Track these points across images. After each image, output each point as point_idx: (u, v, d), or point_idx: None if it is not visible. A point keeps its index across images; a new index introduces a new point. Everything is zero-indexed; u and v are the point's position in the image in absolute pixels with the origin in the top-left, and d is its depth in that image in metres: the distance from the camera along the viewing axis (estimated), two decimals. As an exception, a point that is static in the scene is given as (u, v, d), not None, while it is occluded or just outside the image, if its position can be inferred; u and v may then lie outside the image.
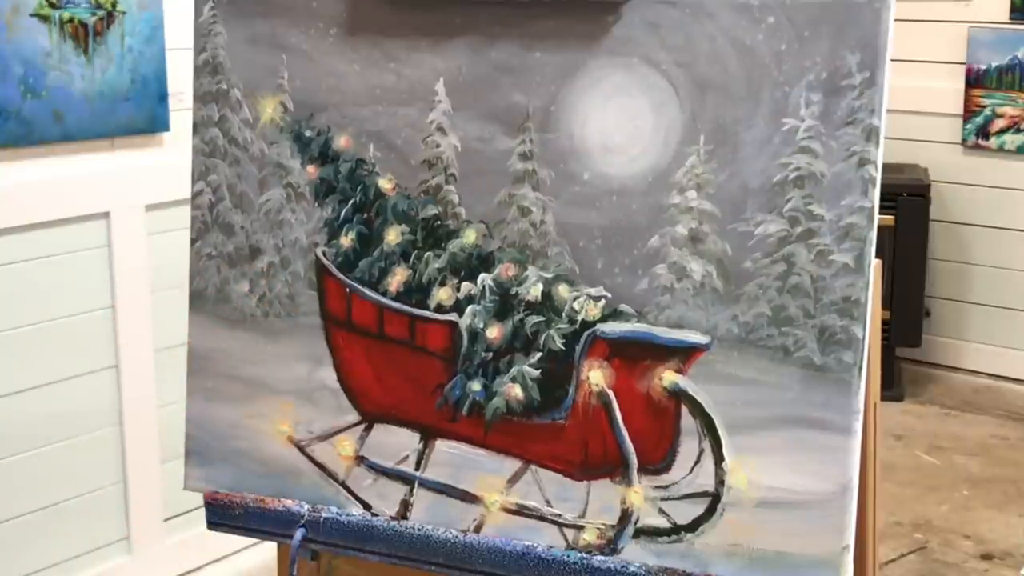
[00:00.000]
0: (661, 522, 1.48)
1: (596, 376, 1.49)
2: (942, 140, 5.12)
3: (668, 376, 1.47)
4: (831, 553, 1.40)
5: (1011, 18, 4.89)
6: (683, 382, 1.46)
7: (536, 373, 1.52)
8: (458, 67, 1.54)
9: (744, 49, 1.42)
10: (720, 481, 1.45)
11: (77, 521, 2.88)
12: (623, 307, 1.49)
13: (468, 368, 1.54)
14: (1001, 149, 4.96)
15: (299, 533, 1.62)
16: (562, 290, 1.51)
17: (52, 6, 2.70)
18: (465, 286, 1.55)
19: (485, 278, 1.54)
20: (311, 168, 1.61)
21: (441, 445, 1.57)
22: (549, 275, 1.51)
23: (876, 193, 1.38)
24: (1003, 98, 4.94)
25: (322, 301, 1.62)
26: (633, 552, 1.49)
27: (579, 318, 1.50)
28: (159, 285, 2.94)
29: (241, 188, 1.65)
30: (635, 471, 1.49)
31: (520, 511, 1.54)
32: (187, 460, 1.69)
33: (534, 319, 1.52)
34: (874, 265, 1.41)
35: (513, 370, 1.53)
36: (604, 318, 1.49)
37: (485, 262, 1.54)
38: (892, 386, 4.84)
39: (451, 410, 1.56)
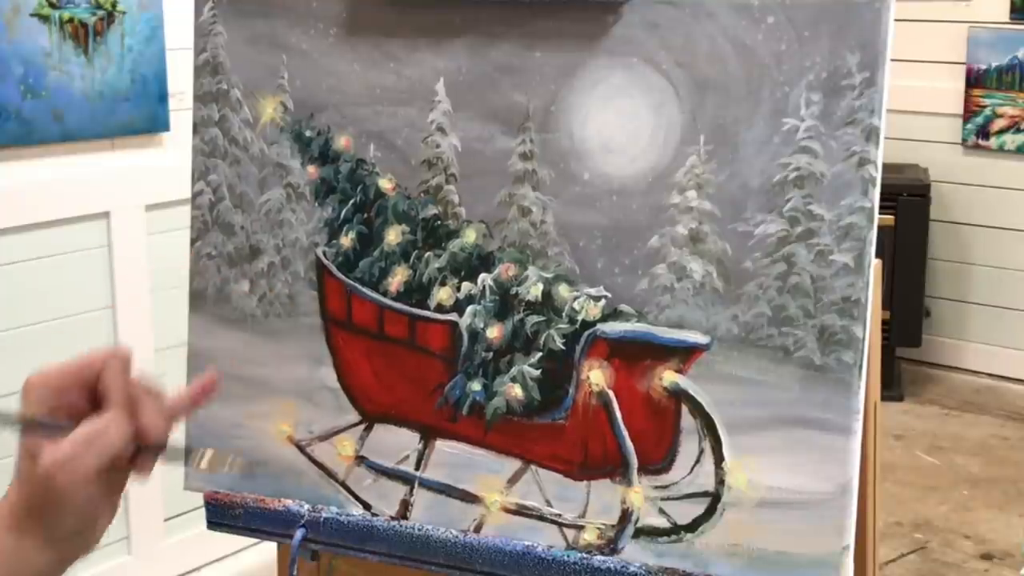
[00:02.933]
0: (661, 522, 1.48)
1: (596, 376, 1.49)
2: (942, 140, 5.12)
3: (668, 376, 1.47)
4: (831, 553, 1.40)
5: (1011, 18, 4.89)
6: (683, 382, 1.46)
7: (536, 373, 1.52)
8: (458, 67, 1.54)
9: (744, 49, 1.42)
10: (720, 481, 1.45)
11: (77, 521, 2.87)
12: (623, 307, 1.48)
13: (468, 368, 1.54)
14: (1001, 149, 4.96)
15: (299, 533, 1.62)
16: (562, 290, 1.51)
17: (52, 6, 2.70)
18: (465, 286, 1.55)
19: (485, 278, 1.54)
20: (311, 168, 1.61)
21: (441, 445, 1.57)
22: (549, 275, 1.51)
23: (876, 193, 1.38)
24: (1003, 98, 4.94)
25: (322, 301, 1.62)
26: (633, 552, 1.48)
27: (579, 318, 1.50)
28: (159, 285, 2.94)
29: (241, 188, 1.65)
30: (635, 471, 1.49)
31: (520, 511, 1.54)
32: (187, 460, 1.69)
33: (534, 319, 1.52)
34: (874, 265, 1.41)
35: (513, 370, 1.52)
36: (604, 318, 1.49)
37: (485, 262, 1.54)
38: (892, 386, 4.84)
39: (451, 410, 1.56)
